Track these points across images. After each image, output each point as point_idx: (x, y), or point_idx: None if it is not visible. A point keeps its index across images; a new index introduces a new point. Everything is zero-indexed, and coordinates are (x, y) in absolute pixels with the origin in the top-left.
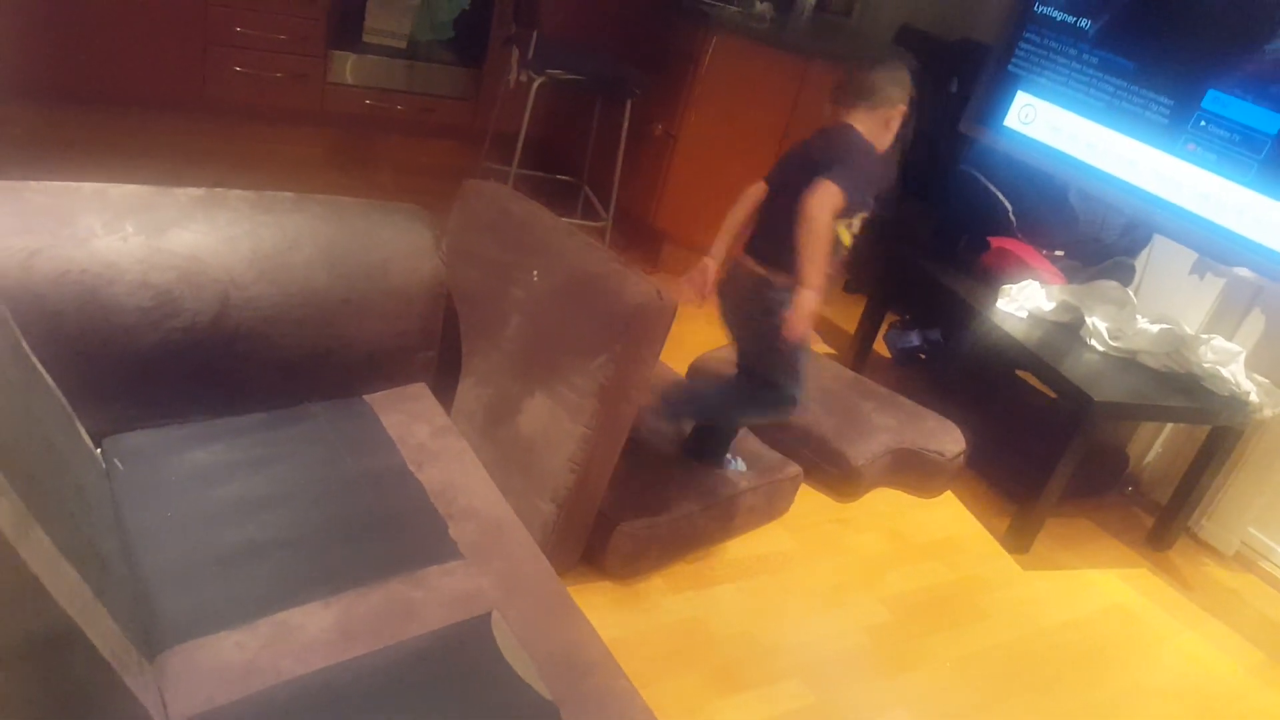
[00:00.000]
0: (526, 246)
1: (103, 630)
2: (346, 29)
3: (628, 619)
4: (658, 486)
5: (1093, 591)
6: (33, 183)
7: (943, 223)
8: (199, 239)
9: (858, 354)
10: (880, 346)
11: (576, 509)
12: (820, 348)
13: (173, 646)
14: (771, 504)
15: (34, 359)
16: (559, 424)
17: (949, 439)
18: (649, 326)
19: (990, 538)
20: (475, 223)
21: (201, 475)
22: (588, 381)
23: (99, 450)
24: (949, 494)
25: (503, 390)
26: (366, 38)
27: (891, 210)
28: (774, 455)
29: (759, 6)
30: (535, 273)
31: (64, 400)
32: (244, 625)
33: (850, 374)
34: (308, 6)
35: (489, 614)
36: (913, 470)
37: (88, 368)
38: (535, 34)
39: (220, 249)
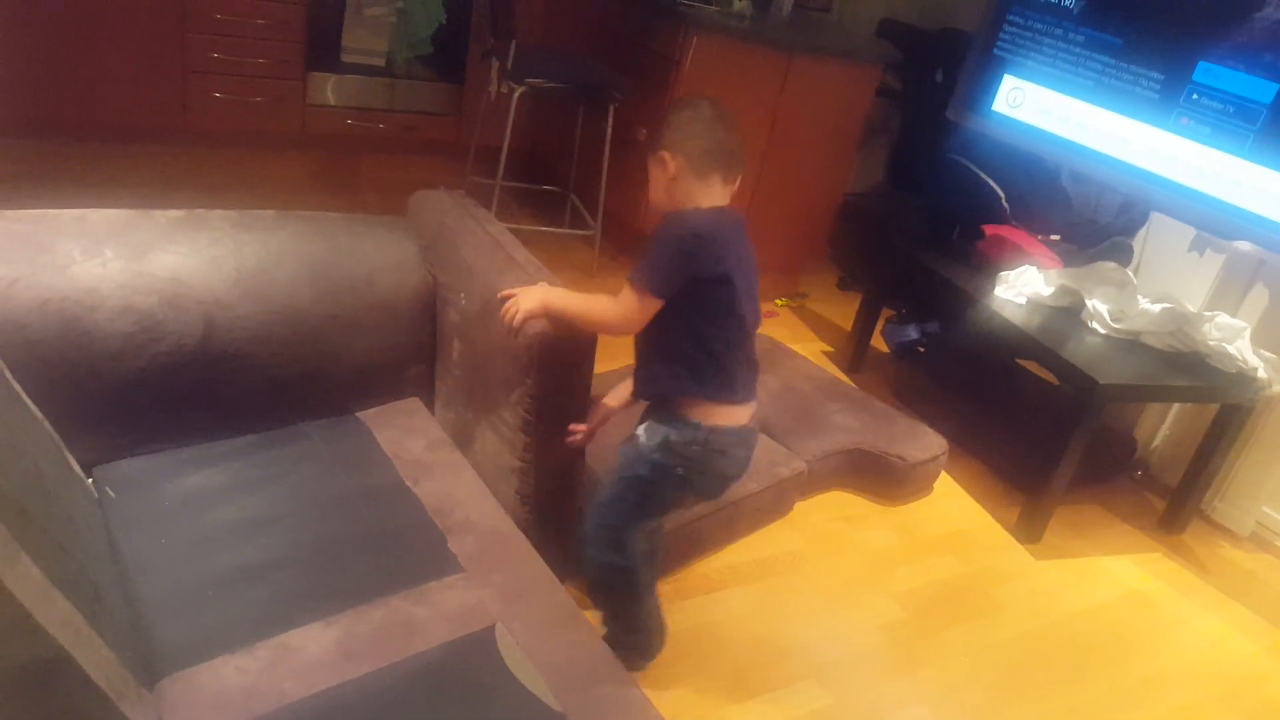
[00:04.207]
0: (455, 266)
1: (97, 659)
2: (324, 50)
3: None
4: None
5: (1108, 578)
6: (8, 211)
7: (935, 214)
8: (180, 261)
9: (855, 351)
10: (879, 342)
11: (542, 535)
12: (817, 346)
13: (172, 673)
14: (778, 504)
15: (18, 389)
16: (501, 457)
17: (916, 444)
18: (556, 358)
19: (1000, 529)
20: (421, 238)
21: (195, 500)
22: (514, 415)
23: (90, 479)
24: (956, 487)
25: (460, 416)
26: (345, 58)
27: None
28: (780, 451)
29: (738, 4)
30: (463, 296)
31: (51, 430)
32: (244, 649)
33: (827, 375)
34: (284, 29)
35: (492, 627)
36: (870, 473)
37: (74, 396)
38: (513, 44)
39: (203, 269)
